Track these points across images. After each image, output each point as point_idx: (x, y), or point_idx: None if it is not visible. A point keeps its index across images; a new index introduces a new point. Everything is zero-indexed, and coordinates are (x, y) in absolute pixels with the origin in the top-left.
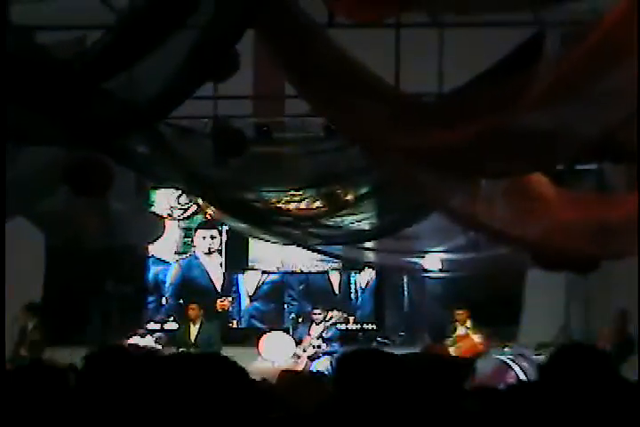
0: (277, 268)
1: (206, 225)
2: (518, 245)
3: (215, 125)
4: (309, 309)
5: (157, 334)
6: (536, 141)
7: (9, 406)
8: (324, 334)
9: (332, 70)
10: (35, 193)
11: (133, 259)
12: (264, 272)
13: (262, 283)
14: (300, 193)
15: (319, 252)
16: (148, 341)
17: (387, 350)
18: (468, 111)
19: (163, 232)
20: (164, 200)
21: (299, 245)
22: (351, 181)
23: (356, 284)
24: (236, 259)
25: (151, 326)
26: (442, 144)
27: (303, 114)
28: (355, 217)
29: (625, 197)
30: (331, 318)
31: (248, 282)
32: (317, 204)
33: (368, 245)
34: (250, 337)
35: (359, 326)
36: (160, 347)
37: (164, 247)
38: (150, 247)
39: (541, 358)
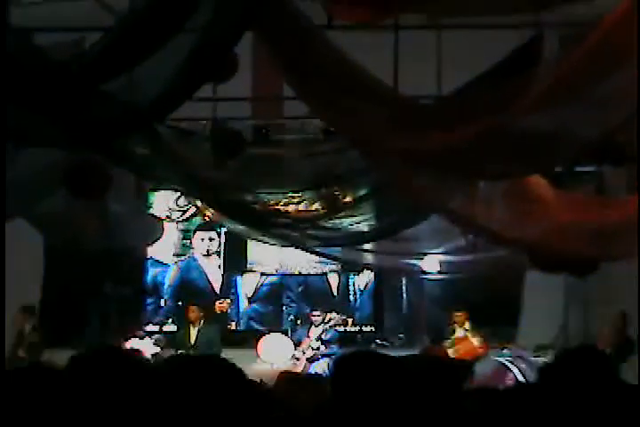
0: (276, 269)
1: (205, 227)
2: (517, 247)
3: (213, 127)
4: (308, 310)
5: (156, 335)
6: (535, 143)
7: (7, 408)
8: (323, 337)
9: (331, 72)
10: (33, 195)
11: (132, 261)
12: (262, 274)
13: (261, 285)
14: (299, 195)
15: (318, 254)
16: (147, 343)
17: (386, 351)
18: (467, 113)
19: (161, 234)
20: (163, 202)
21: (297, 247)
22: (350, 183)
23: (354, 286)
24: (235, 261)
25: (150, 327)
26: (440, 146)
27: (302, 116)
28: (353, 219)
29: (624, 199)
30: (330, 320)
31: (246, 284)
32: (316, 205)
33: (367, 246)
34: (248, 339)
35: (358, 327)
36: (159, 349)
37: (162, 249)
38: (149, 249)
39: (540, 359)
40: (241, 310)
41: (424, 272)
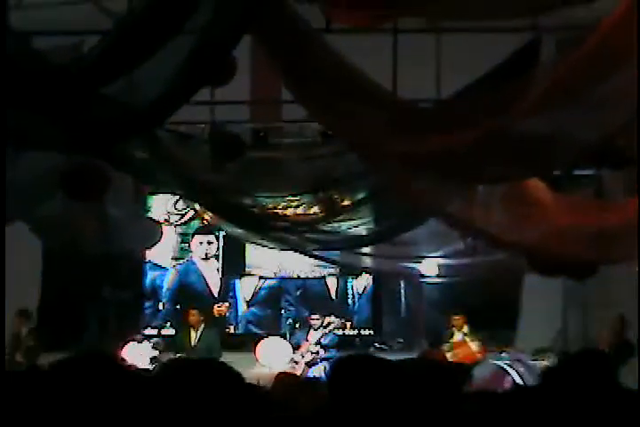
0: (274, 273)
1: (203, 230)
2: (515, 251)
3: (212, 130)
4: (306, 314)
5: (154, 339)
6: (534, 147)
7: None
8: (322, 341)
9: (330, 76)
10: (33, 198)
11: (130, 264)
12: (261, 278)
13: (259, 288)
14: (298, 198)
15: (316, 257)
16: (145, 346)
17: (384, 355)
18: (466, 117)
19: (160, 238)
20: (162, 205)
21: (296, 251)
22: (348, 187)
23: (353, 289)
24: (233, 264)
25: (148, 331)
26: (439, 149)
27: (300, 119)
28: (352, 222)
29: (622, 202)
30: (329, 324)
31: (245, 287)
32: (314, 209)
33: (365, 250)
34: (247, 343)
35: (356, 331)
36: (157, 352)
37: (161, 253)
38: (147, 253)
39: (538, 363)
40: (239, 314)
41: (422, 276)
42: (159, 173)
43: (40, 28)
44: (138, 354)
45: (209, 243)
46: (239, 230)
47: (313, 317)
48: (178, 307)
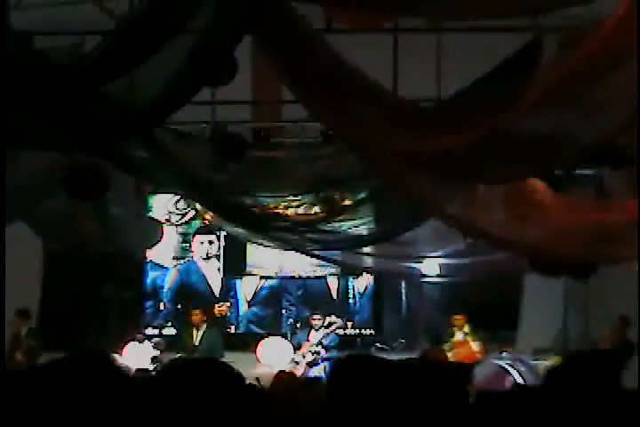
0: (275, 273)
1: (204, 230)
2: (516, 251)
3: (215, 130)
4: (307, 314)
5: (155, 339)
6: (534, 146)
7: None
8: (323, 341)
9: (331, 75)
10: (32, 196)
11: (131, 264)
12: (262, 277)
13: (260, 288)
14: (299, 198)
15: (317, 257)
16: (147, 346)
17: (385, 355)
18: (467, 116)
19: (161, 237)
20: (162, 205)
21: (297, 251)
22: (349, 187)
23: (354, 289)
24: (234, 264)
25: (149, 331)
26: (440, 149)
27: (301, 119)
28: (353, 222)
29: (623, 202)
30: (330, 324)
31: (246, 287)
32: (315, 209)
33: (366, 250)
34: (248, 343)
35: (357, 331)
36: (158, 352)
37: (162, 252)
38: (148, 252)
39: (539, 362)
40: (240, 314)
41: (423, 275)
42: (160, 172)
43: (40, 28)
44: (139, 354)
45: (210, 243)
46: (240, 230)
47: (315, 317)
48: (179, 307)
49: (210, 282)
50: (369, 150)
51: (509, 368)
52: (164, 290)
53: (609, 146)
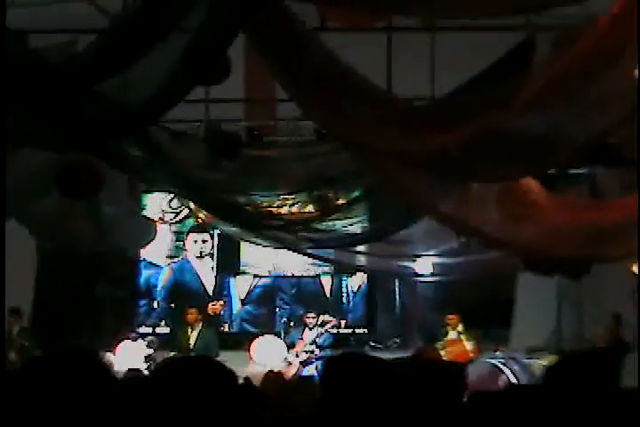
0: (269, 271)
1: (198, 229)
2: (510, 250)
3: (209, 129)
4: (301, 312)
5: (149, 337)
6: (528, 145)
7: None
8: (317, 340)
9: (324, 74)
10: (26, 196)
11: (125, 263)
12: (256, 276)
13: (254, 287)
14: (292, 197)
15: (311, 255)
16: (140, 344)
17: (379, 354)
18: (461, 115)
19: (154, 236)
20: (156, 204)
21: (290, 249)
22: (343, 185)
23: (347, 287)
24: (228, 263)
25: (143, 329)
26: (434, 148)
27: (295, 118)
28: (346, 221)
29: (617, 200)
30: (324, 323)
31: (240, 286)
32: (309, 207)
33: (360, 248)
34: (241, 341)
35: (351, 329)
36: (152, 351)
37: (155, 251)
38: (142, 251)
39: (533, 361)
40: (234, 312)
41: (417, 274)
42: (154, 170)
43: (34, 27)
44: (132, 352)
45: (203, 241)
46: (234, 229)
47: (309, 315)
48: (172, 305)
49: (203, 281)
50: (363, 149)
51: (503, 367)
52: (158, 289)
53: (602, 145)
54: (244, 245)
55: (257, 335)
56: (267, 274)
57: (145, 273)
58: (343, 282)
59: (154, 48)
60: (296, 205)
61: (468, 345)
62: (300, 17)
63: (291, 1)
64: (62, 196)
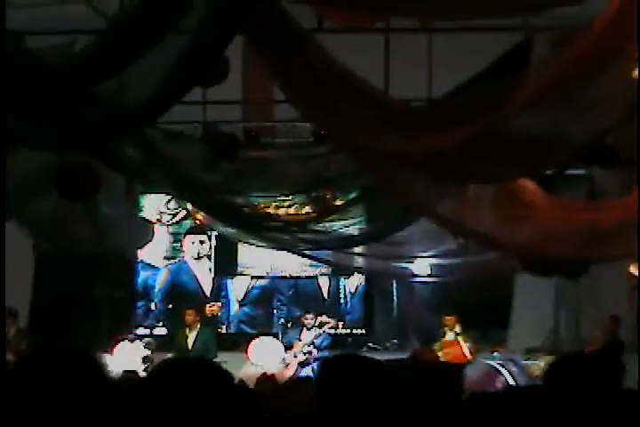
0: (267, 273)
1: (195, 230)
2: (507, 251)
3: (206, 130)
4: (298, 314)
5: (146, 339)
6: (526, 146)
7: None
8: (315, 341)
9: (322, 75)
10: (24, 197)
11: (123, 264)
12: (253, 277)
13: (251, 288)
14: (290, 198)
15: (308, 257)
16: (138, 346)
17: (376, 355)
18: (458, 116)
19: (152, 237)
20: (153, 205)
21: (288, 250)
22: (340, 186)
23: (345, 289)
24: (226, 264)
25: (140, 331)
26: (431, 149)
27: (292, 119)
28: (344, 222)
29: (614, 201)
30: (322, 324)
31: (237, 287)
32: (307, 209)
33: (357, 250)
34: (239, 342)
35: (348, 331)
36: (149, 352)
37: (153, 252)
38: (139, 252)
39: (531, 363)
40: (231, 314)
41: (414, 275)
42: (152, 172)
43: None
44: (130, 354)
45: (201, 242)
46: (231, 230)
47: (307, 316)
48: (170, 306)
49: (201, 282)
50: (360, 150)
51: (501, 368)
52: (155, 290)
53: (600, 145)
54: (241, 247)
55: (255, 336)
56: (264, 275)
57: (142, 274)
58: (341, 283)
59: (151, 49)
60: (294, 207)
61: (466, 346)
62: (298, 18)
63: (288, 2)
64: (60, 197)
